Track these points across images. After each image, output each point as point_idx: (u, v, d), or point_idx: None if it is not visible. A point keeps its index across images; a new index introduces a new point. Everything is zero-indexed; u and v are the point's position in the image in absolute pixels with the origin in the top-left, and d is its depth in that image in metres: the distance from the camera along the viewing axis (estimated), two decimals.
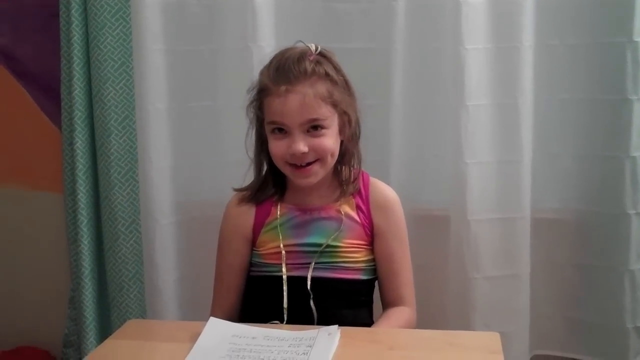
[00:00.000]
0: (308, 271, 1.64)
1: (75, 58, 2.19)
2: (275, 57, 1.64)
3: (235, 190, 1.76)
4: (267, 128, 1.63)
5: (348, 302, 1.67)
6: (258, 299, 1.71)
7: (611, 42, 2.05)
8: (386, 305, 1.72)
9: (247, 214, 1.72)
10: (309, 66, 1.58)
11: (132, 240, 2.26)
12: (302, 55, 1.60)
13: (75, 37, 2.18)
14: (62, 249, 2.42)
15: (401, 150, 2.13)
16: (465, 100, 2.05)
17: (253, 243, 1.71)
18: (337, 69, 1.64)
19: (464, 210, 2.09)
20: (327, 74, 1.60)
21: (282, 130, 1.59)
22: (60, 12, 2.24)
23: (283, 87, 1.56)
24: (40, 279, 2.52)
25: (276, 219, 1.69)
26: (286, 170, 1.65)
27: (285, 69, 1.58)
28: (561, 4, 2.08)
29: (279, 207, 1.70)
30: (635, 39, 2.01)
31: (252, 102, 1.67)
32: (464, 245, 2.11)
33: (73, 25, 2.18)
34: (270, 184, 1.71)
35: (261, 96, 1.63)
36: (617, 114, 2.06)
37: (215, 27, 2.15)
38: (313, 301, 1.62)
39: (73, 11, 2.17)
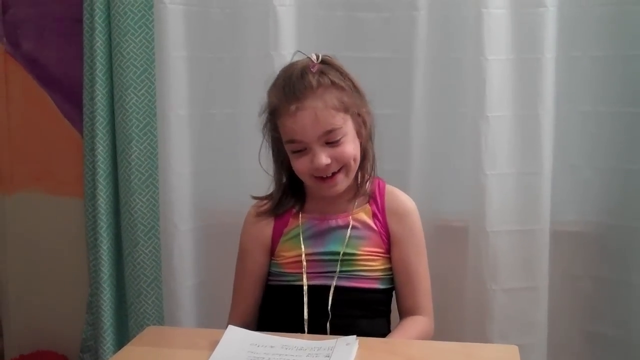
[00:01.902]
0: (327, 280, 1.64)
1: (98, 64, 2.21)
2: (280, 76, 1.64)
3: (254, 198, 1.76)
4: (287, 147, 1.63)
5: (365, 311, 1.67)
6: (278, 308, 1.70)
7: (634, 55, 2.04)
8: (403, 314, 1.71)
9: (266, 225, 1.72)
10: (313, 79, 1.57)
11: (151, 246, 2.26)
12: (305, 69, 1.59)
13: (98, 44, 2.20)
14: (82, 254, 2.43)
15: (421, 160, 2.13)
16: (485, 111, 2.05)
17: (272, 252, 1.72)
18: (343, 74, 1.62)
19: (483, 222, 2.09)
20: (332, 83, 1.58)
21: (302, 149, 1.59)
22: (84, 18, 2.25)
23: (293, 106, 1.56)
24: (59, 283, 2.54)
25: (294, 228, 1.70)
26: (312, 184, 1.64)
27: (291, 87, 1.57)
28: (584, 16, 2.07)
29: (299, 216, 1.70)
30: None
31: (266, 124, 1.67)
32: (483, 257, 2.10)
33: (96, 32, 2.19)
34: (290, 196, 1.71)
35: (274, 117, 1.63)
36: (638, 127, 2.05)
37: (237, 34, 2.16)
38: (331, 311, 1.62)
39: (96, 17, 2.19)
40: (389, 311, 1.73)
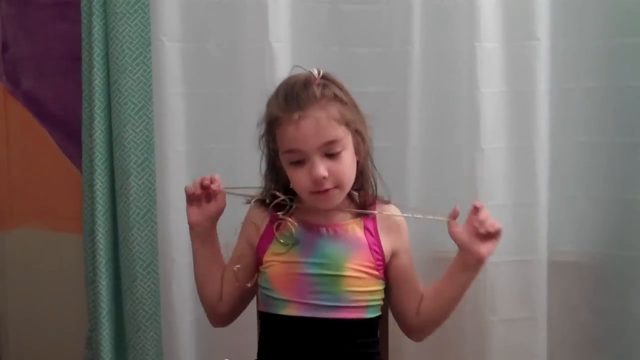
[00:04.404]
0: (313, 309, 1.62)
1: (96, 101, 2.22)
2: (281, 87, 1.63)
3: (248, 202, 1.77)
4: (284, 158, 1.62)
5: (353, 344, 1.64)
6: (268, 339, 1.71)
7: (628, 86, 2.06)
8: (414, 304, 1.72)
9: (260, 225, 1.72)
10: (317, 90, 1.57)
11: (150, 282, 2.26)
12: (308, 80, 1.60)
13: (96, 81, 2.21)
14: (81, 290, 2.43)
15: (417, 192, 2.14)
16: (480, 143, 2.07)
17: (259, 261, 1.70)
18: (343, 90, 1.63)
19: None
20: (335, 96, 1.59)
21: (300, 160, 1.59)
22: (83, 56, 2.27)
23: (296, 114, 1.55)
24: (58, 319, 2.54)
25: (284, 234, 1.68)
26: (309, 199, 1.63)
27: (294, 96, 1.57)
28: (577, 48, 2.10)
29: (291, 221, 1.67)
30: None
31: (263, 136, 1.67)
32: (481, 288, 2.10)
33: (95, 69, 2.21)
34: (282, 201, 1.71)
35: (273, 127, 1.62)
36: (634, 157, 2.07)
37: (233, 70, 2.18)
38: (316, 342, 1.62)
39: (95, 55, 2.20)
40: (377, 342, 1.72)
